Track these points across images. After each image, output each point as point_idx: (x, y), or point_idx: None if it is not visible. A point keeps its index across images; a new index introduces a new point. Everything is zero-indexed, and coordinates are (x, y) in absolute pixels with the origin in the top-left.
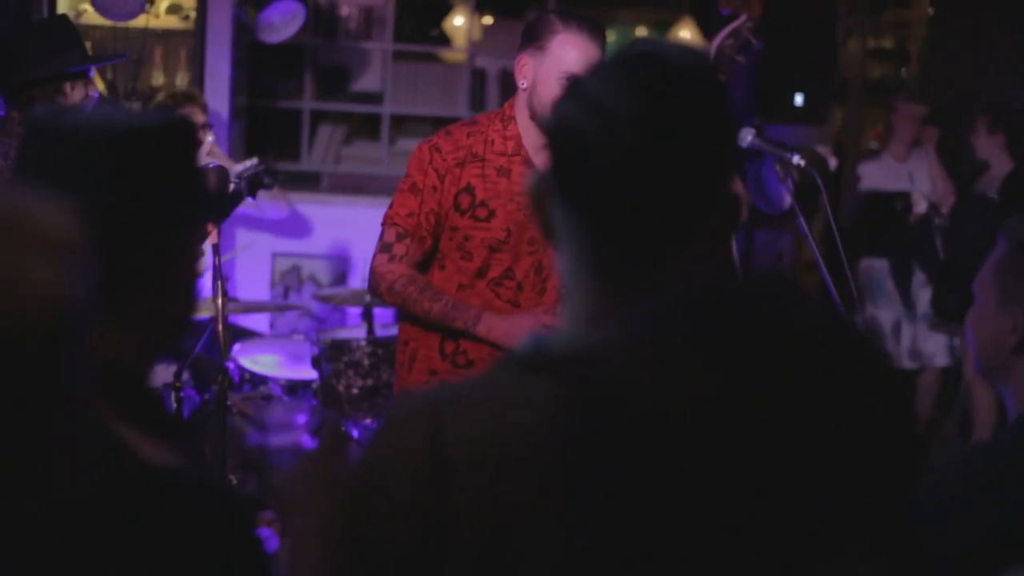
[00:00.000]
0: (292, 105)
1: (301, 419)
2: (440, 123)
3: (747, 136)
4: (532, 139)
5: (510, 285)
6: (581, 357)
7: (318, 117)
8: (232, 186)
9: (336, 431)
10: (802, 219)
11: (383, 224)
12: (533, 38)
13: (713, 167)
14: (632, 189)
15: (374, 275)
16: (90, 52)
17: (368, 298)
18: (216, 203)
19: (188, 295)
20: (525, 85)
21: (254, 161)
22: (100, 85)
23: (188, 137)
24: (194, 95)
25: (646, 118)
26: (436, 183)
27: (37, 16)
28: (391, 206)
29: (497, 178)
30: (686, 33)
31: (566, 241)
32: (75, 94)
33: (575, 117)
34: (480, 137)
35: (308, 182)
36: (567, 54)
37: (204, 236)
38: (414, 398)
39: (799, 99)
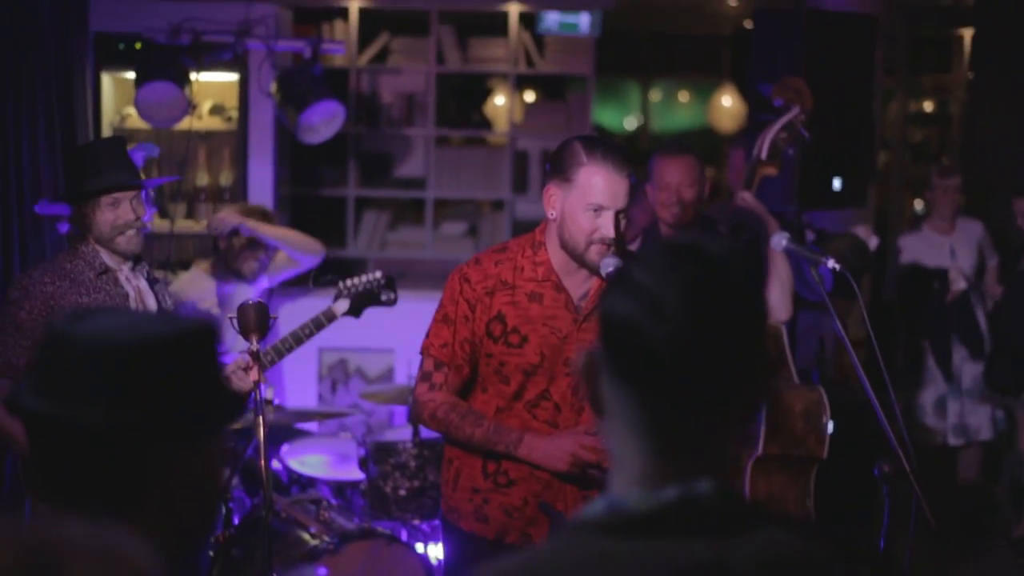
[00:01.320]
0: (336, 193)
1: None
2: (484, 207)
3: (782, 241)
4: (562, 265)
5: (547, 406)
6: (664, 516)
7: (362, 203)
8: (339, 300)
9: None
10: (835, 316)
11: (421, 353)
12: (559, 170)
13: (749, 346)
14: (681, 369)
15: (416, 404)
16: None
17: (413, 399)
18: (235, 407)
19: (207, 499)
20: (555, 216)
21: (377, 275)
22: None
23: (206, 345)
24: (268, 214)
25: (691, 307)
26: (467, 313)
27: (82, 124)
28: (427, 336)
29: (528, 304)
30: (727, 99)
31: (616, 411)
32: (126, 211)
33: (626, 305)
34: (509, 265)
35: (354, 268)
36: (593, 187)
37: (221, 444)
38: (500, 572)
39: (837, 183)
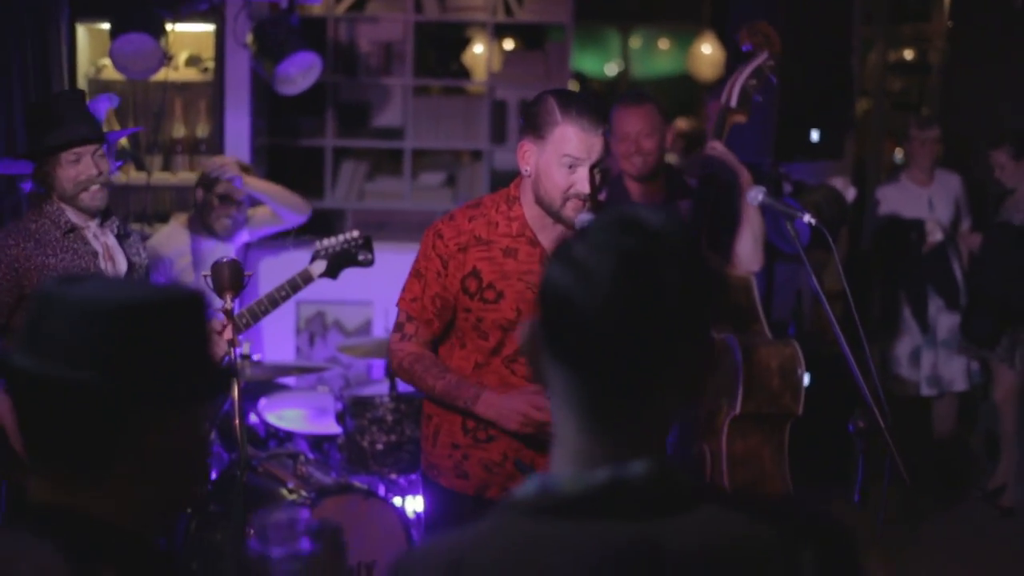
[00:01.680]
0: (314, 143)
1: (302, 524)
2: (462, 157)
3: (758, 196)
4: (536, 220)
5: (525, 362)
6: (595, 498)
7: (340, 154)
8: (316, 260)
9: (336, 539)
10: (811, 271)
11: (397, 305)
12: (533, 126)
13: (689, 324)
14: (612, 343)
15: (389, 352)
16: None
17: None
18: (221, 380)
19: (190, 466)
20: (529, 171)
21: (354, 234)
22: (123, 141)
23: (195, 315)
24: (246, 169)
25: (623, 280)
26: (440, 268)
27: (56, 76)
28: (403, 289)
29: (504, 259)
30: (707, 47)
31: (554, 388)
32: (87, 166)
33: (563, 278)
34: (483, 220)
35: (332, 219)
36: (568, 142)
37: (207, 411)
38: (428, 556)
39: (815, 135)
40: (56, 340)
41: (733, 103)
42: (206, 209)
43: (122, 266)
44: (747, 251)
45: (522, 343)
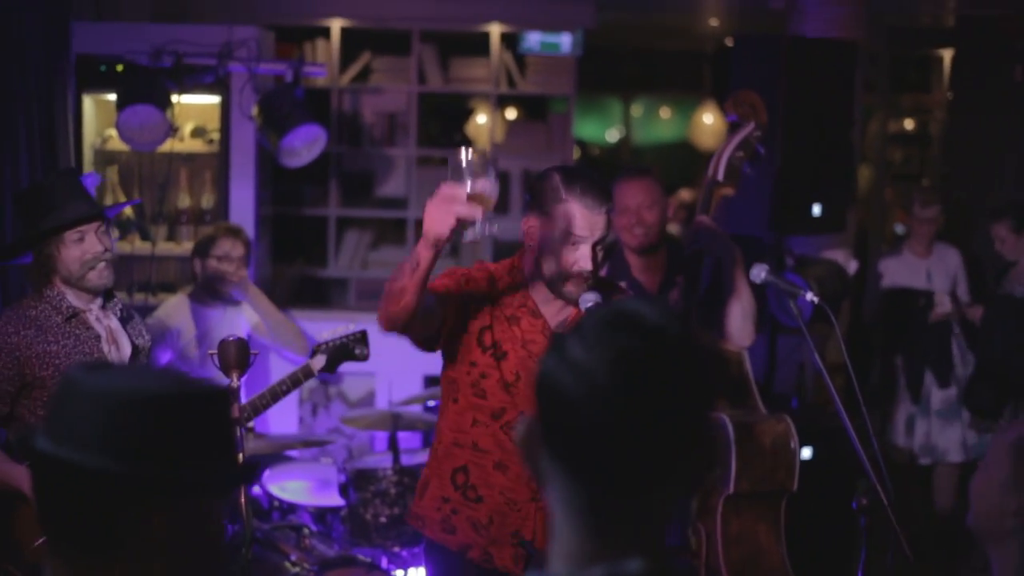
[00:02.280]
0: (318, 212)
1: None
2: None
3: (760, 273)
4: (539, 293)
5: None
6: None
7: (344, 223)
8: (317, 355)
9: None
10: (812, 345)
11: None
12: (538, 202)
13: (688, 423)
14: (611, 447)
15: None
16: (116, 178)
17: (393, 426)
18: (239, 475)
19: (203, 556)
20: (532, 246)
21: (351, 329)
22: (127, 211)
23: (217, 408)
24: (238, 231)
25: (625, 382)
26: (464, 295)
27: (63, 146)
28: None
29: (508, 326)
30: (708, 116)
31: (551, 484)
32: (92, 244)
33: (559, 376)
34: (490, 286)
35: (337, 288)
36: (572, 220)
37: (223, 504)
38: None
39: (817, 209)
40: (76, 426)
41: (720, 176)
42: (207, 276)
43: (126, 350)
44: (736, 326)
45: (519, 439)
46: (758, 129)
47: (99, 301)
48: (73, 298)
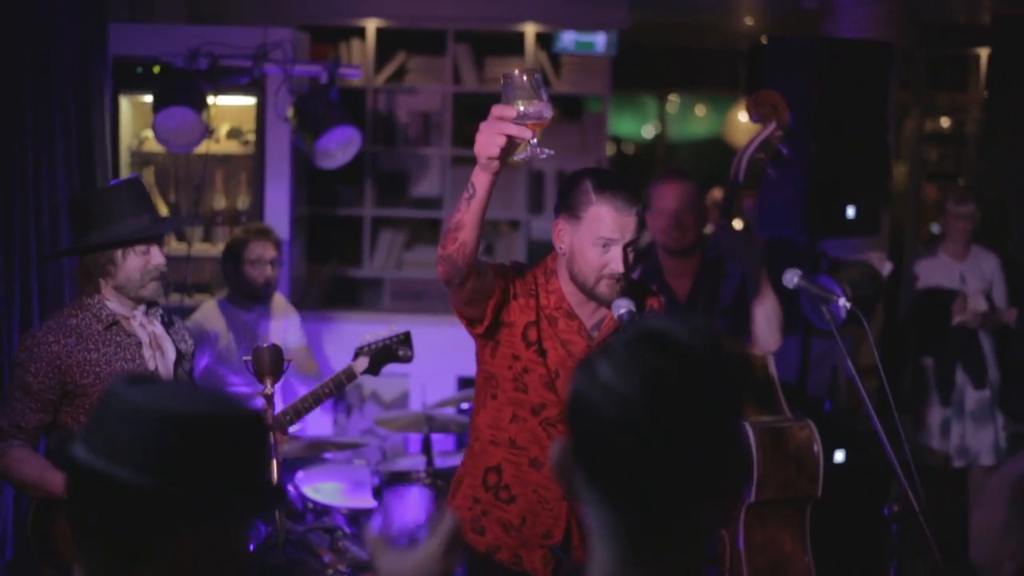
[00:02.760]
0: (353, 212)
1: (423, 515)
2: (500, 227)
3: (794, 278)
4: (573, 296)
5: (563, 430)
6: None
7: (379, 223)
8: (360, 358)
9: (453, 532)
10: (844, 350)
11: None
12: (568, 205)
13: (721, 442)
14: (647, 469)
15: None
16: (152, 179)
17: (427, 428)
18: (268, 500)
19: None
20: (564, 250)
21: (395, 330)
22: (163, 209)
23: (251, 434)
24: (268, 232)
25: (657, 403)
26: (515, 283)
27: (100, 148)
28: None
29: (548, 325)
30: (743, 114)
31: (589, 507)
32: (156, 256)
33: (591, 398)
34: (533, 284)
35: (371, 288)
36: (602, 222)
37: (250, 527)
38: None
39: (851, 211)
40: (113, 439)
41: (741, 178)
42: (239, 279)
43: (171, 354)
44: (762, 331)
45: (554, 461)
46: (779, 129)
47: (142, 308)
48: (116, 305)
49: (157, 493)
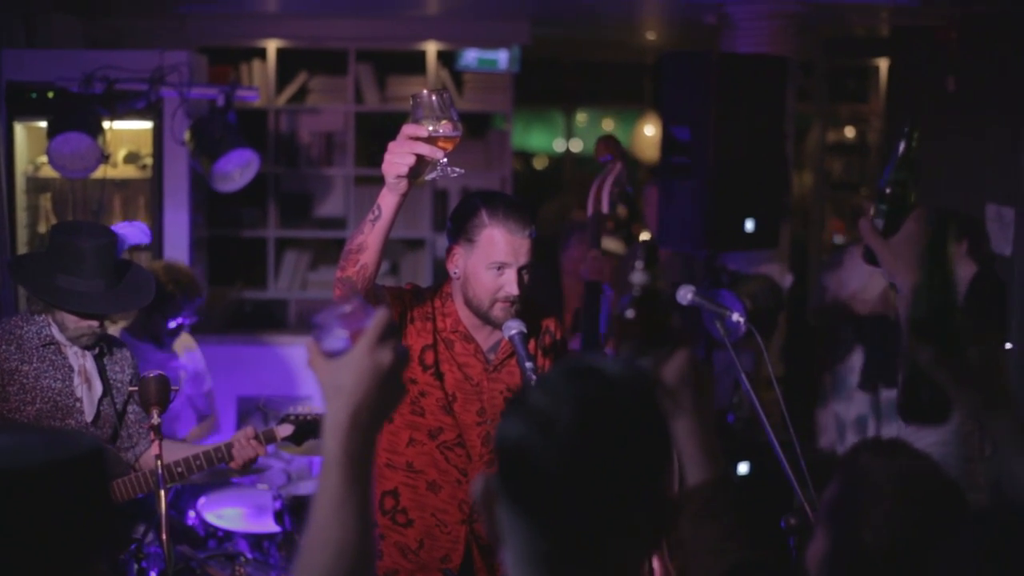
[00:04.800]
0: (256, 234)
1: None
2: (404, 245)
3: (687, 295)
4: (468, 320)
5: (460, 453)
6: None
7: (283, 244)
8: (284, 424)
9: (384, 324)
10: (739, 365)
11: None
12: (461, 230)
13: (649, 469)
14: (575, 494)
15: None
16: (49, 205)
17: None
18: (119, 536)
19: None
20: (458, 274)
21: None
22: None
23: (91, 472)
24: (197, 287)
25: (586, 431)
26: (411, 307)
27: None
28: None
29: (445, 348)
30: (649, 129)
31: (512, 541)
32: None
33: (521, 429)
34: (431, 308)
35: (276, 310)
36: (495, 246)
37: (99, 568)
38: None
39: (749, 225)
40: None
41: (606, 209)
42: (154, 326)
43: (97, 390)
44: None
45: (476, 496)
46: (624, 168)
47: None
48: (56, 332)
49: (10, 551)
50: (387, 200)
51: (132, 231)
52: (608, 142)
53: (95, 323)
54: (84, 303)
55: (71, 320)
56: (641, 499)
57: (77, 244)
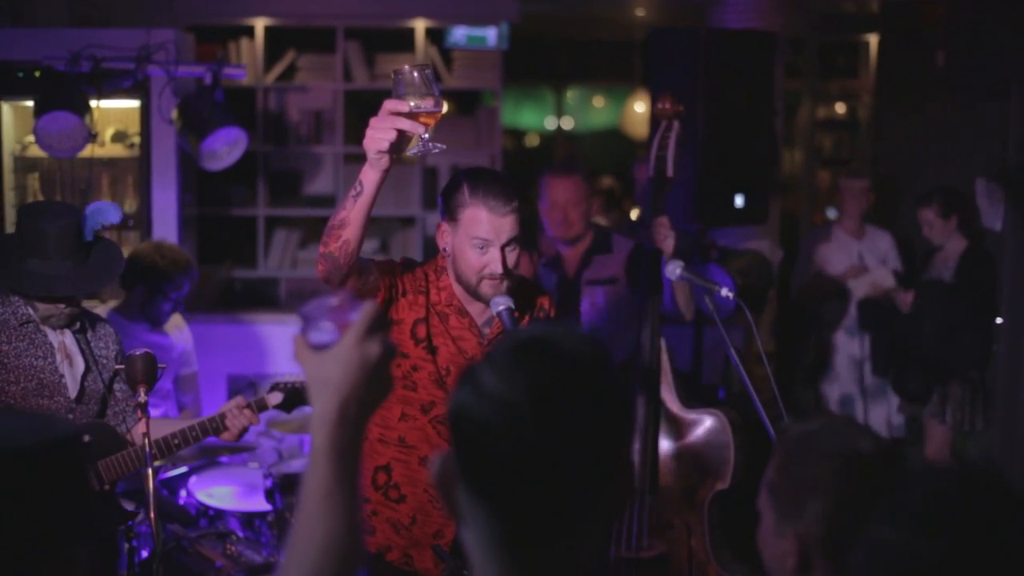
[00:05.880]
0: (245, 212)
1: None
2: (394, 223)
3: (676, 270)
4: (461, 294)
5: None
6: None
7: (272, 222)
8: (273, 392)
9: (372, 316)
10: (728, 340)
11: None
12: (447, 207)
13: (607, 446)
14: (533, 474)
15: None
16: (37, 184)
17: None
18: (99, 523)
19: None
20: (447, 250)
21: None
22: None
23: (66, 456)
24: (189, 264)
25: (542, 408)
26: (402, 279)
27: None
28: None
29: (440, 321)
30: (639, 105)
31: (472, 521)
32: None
33: (474, 407)
34: (424, 281)
35: (266, 288)
36: (477, 224)
37: (80, 555)
38: None
39: (740, 200)
40: None
41: (671, 173)
42: (148, 305)
43: (79, 367)
44: (681, 305)
45: (435, 475)
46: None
47: None
48: (33, 311)
49: None
50: (369, 176)
51: (109, 209)
52: (673, 100)
53: (62, 305)
54: (47, 286)
55: (43, 306)
56: (603, 478)
57: (41, 226)
